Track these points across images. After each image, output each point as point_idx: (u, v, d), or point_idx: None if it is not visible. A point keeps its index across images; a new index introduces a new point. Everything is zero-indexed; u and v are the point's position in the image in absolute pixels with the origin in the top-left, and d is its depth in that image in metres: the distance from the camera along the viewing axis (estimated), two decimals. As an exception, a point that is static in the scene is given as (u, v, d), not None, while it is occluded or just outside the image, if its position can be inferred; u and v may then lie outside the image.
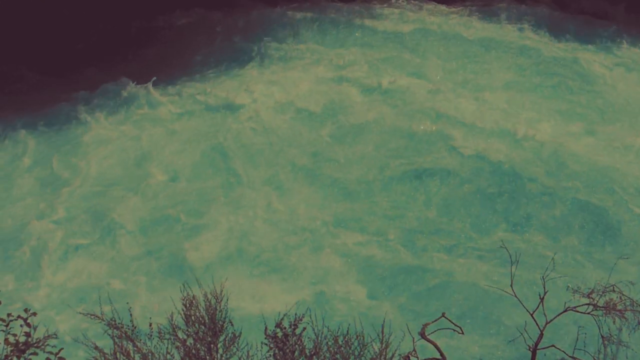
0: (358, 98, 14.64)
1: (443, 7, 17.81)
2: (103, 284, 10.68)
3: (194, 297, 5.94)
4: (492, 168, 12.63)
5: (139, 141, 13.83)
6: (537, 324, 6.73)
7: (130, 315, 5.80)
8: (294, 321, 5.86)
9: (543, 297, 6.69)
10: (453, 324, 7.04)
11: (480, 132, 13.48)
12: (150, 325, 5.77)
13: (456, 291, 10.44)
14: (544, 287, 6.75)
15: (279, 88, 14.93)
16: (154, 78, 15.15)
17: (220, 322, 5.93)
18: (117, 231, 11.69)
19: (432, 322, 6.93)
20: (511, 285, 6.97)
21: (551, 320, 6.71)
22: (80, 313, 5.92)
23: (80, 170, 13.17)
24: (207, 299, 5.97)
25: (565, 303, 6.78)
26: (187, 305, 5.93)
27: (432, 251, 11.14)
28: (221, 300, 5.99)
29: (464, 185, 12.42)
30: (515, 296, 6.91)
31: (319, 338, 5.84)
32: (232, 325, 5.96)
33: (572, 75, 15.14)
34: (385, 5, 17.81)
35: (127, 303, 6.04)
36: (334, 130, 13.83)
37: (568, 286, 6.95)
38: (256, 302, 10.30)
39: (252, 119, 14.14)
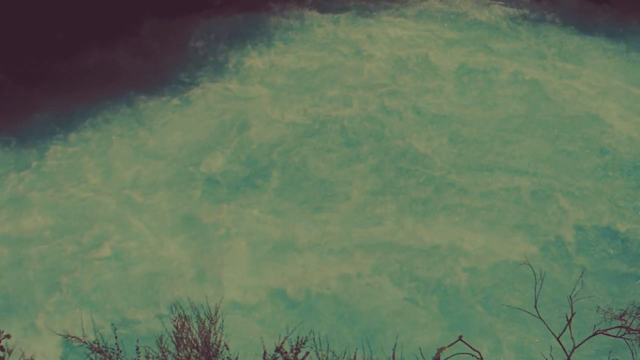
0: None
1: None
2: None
3: (185, 318, 5.41)
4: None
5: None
6: (563, 348, 6.15)
7: (116, 337, 5.28)
8: (296, 345, 5.36)
9: (570, 319, 6.10)
10: (471, 347, 6.45)
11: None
12: (138, 348, 5.26)
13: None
14: (572, 308, 6.16)
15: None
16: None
17: (215, 346, 5.40)
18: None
19: (448, 346, 6.34)
20: (535, 306, 6.39)
21: (579, 345, 6.12)
22: (60, 335, 5.39)
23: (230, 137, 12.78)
24: (200, 321, 5.44)
25: (594, 326, 6.19)
26: (179, 326, 5.40)
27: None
28: (216, 322, 5.46)
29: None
30: (540, 318, 6.32)
31: (323, 364, 5.33)
32: (227, 349, 5.43)
33: None
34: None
35: (112, 324, 5.51)
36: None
37: (598, 307, 6.35)
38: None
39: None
